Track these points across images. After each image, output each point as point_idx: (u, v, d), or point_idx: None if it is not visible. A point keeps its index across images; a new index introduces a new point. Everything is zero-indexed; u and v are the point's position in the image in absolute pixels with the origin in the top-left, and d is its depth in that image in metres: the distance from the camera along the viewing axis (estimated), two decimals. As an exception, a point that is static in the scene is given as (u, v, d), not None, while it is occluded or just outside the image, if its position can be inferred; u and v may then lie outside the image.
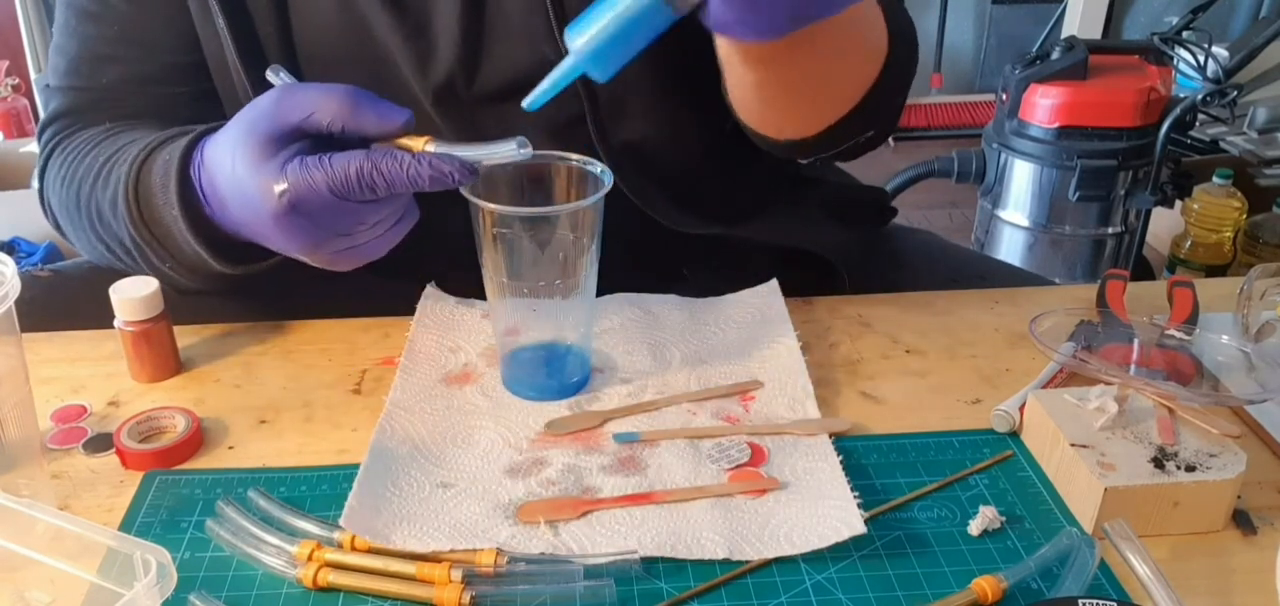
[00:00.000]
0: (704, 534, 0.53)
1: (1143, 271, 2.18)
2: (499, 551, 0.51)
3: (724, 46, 0.58)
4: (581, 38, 0.49)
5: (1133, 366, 0.66)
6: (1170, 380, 0.63)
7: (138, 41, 0.73)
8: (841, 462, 0.58)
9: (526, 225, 0.59)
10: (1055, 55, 2.05)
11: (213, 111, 0.73)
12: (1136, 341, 0.68)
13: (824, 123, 0.66)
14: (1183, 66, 2.19)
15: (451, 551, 0.51)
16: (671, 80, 0.72)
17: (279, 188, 0.55)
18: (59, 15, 0.76)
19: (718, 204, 0.78)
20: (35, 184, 0.83)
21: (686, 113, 0.72)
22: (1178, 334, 0.68)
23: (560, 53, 0.71)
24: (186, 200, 0.62)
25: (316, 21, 0.70)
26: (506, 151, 0.57)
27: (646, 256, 0.76)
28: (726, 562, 0.51)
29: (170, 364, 0.69)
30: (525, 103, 0.53)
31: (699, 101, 0.71)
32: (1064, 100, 2.00)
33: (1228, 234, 2.14)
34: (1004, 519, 0.55)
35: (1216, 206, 2.11)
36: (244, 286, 0.69)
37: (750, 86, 0.63)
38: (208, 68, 0.73)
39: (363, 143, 0.57)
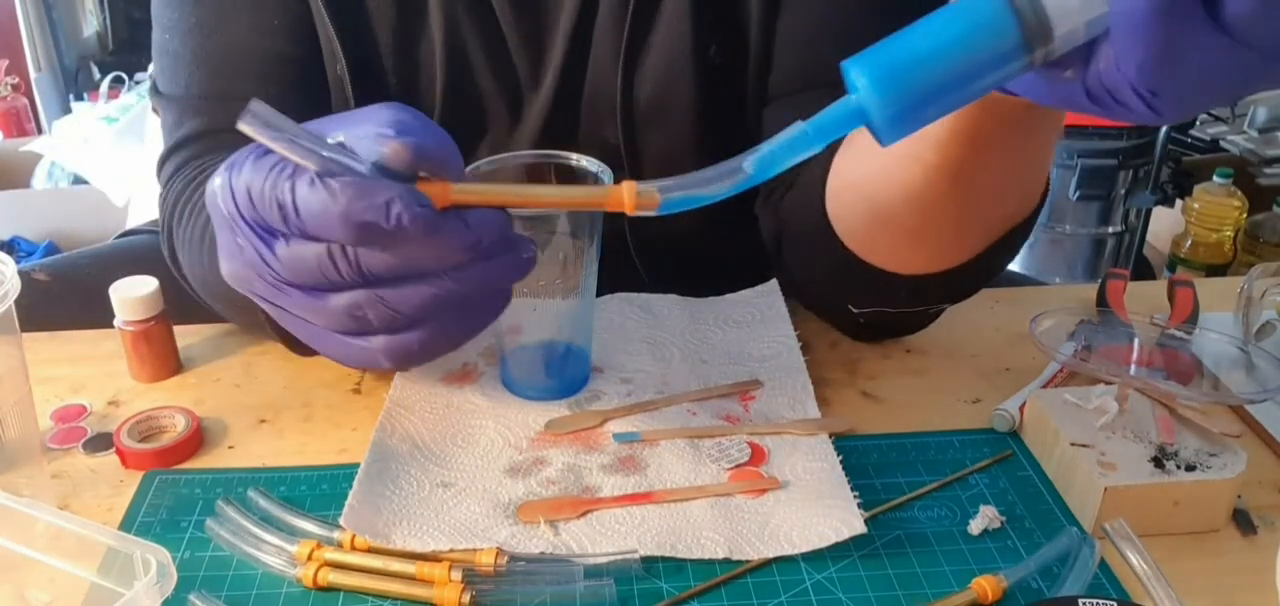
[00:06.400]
0: (704, 533, 0.53)
1: (1143, 271, 2.18)
2: (499, 551, 0.51)
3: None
4: (880, 80, 0.34)
5: (1133, 366, 0.66)
6: (1170, 379, 0.63)
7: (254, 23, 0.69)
8: (841, 462, 0.58)
9: (526, 225, 0.59)
10: (1055, 55, 2.04)
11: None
12: (1136, 341, 0.68)
13: (945, 262, 0.59)
14: (1183, 66, 2.18)
15: (451, 551, 0.51)
16: (707, 86, 0.70)
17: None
18: (165, 11, 0.70)
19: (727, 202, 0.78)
20: (158, 224, 0.75)
21: (730, 114, 0.72)
22: (1178, 333, 0.68)
23: (617, 137, 0.71)
24: None
25: (425, 62, 0.71)
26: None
27: (649, 250, 0.76)
28: (726, 562, 0.51)
29: (170, 363, 0.69)
30: (748, 164, 0.40)
31: (740, 113, 0.71)
32: (1064, 99, 2.00)
33: (1228, 233, 2.14)
34: (1004, 518, 0.55)
35: (1217, 206, 2.11)
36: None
37: (918, 173, 0.52)
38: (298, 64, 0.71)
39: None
